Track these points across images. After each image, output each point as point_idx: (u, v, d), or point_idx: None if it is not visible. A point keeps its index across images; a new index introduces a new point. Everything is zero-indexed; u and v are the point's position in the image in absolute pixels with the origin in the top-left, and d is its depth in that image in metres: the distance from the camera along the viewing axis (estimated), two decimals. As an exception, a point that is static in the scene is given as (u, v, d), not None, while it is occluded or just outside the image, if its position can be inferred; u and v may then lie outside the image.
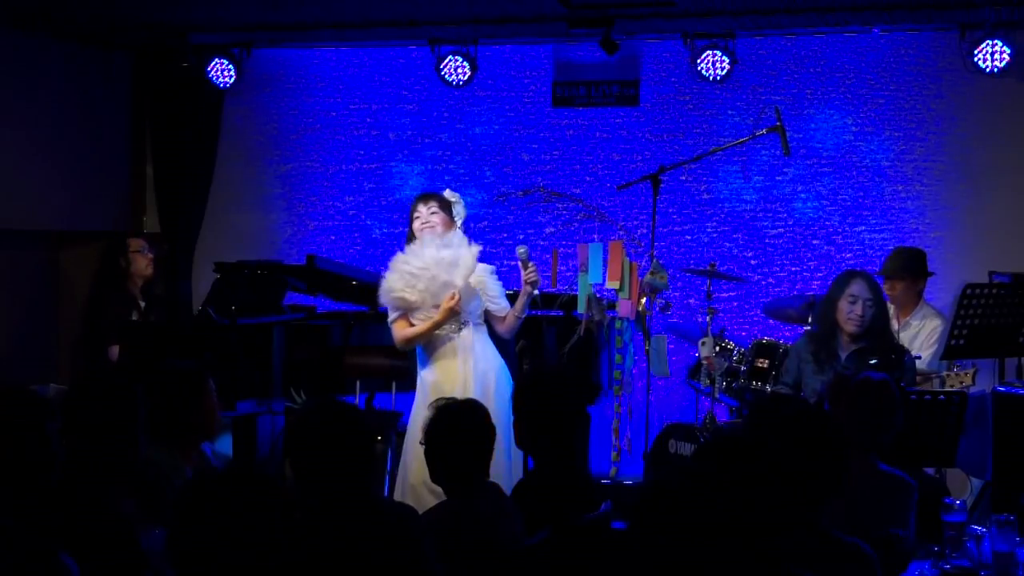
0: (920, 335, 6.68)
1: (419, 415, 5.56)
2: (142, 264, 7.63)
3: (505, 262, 8.30)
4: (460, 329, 5.65)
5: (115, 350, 7.19)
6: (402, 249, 5.80)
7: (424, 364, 5.73)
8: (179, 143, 8.69)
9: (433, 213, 5.71)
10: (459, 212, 5.83)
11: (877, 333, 5.82)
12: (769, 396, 5.67)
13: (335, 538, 3.26)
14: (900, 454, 4.67)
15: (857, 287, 5.82)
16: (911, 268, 6.70)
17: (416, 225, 5.74)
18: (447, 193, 5.87)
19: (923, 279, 6.76)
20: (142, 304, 7.61)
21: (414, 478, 5.42)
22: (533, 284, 5.71)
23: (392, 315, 5.72)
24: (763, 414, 3.61)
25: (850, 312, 5.81)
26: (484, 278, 5.74)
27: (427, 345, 5.69)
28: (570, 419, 4.26)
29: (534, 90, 8.42)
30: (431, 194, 5.87)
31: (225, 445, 6.63)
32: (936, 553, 4.00)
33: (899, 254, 6.79)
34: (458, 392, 5.48)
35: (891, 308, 6.51)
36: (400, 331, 5.68)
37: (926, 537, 4.19)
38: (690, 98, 8.18)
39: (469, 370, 5.63)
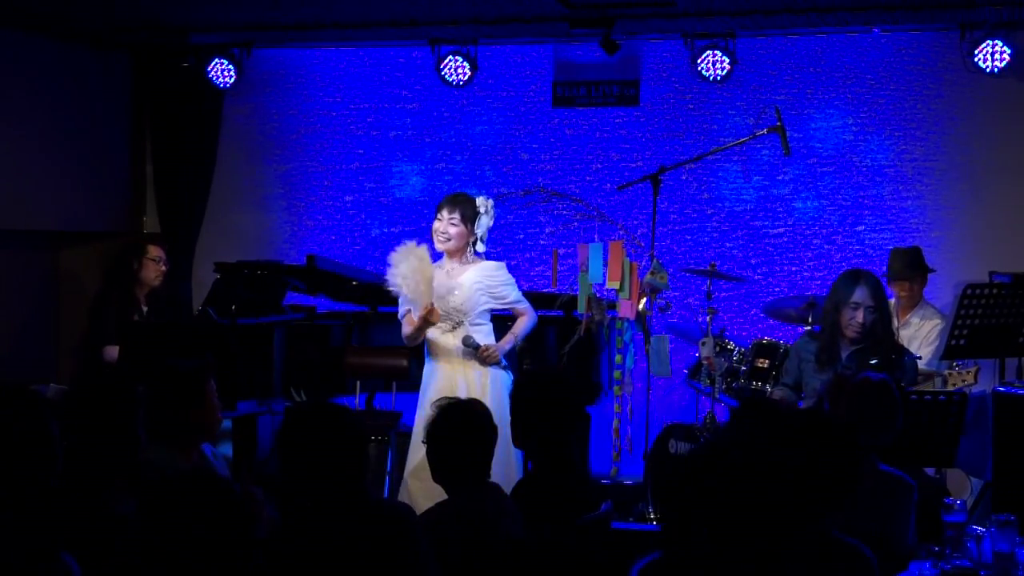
0: (920, 333, 6.69)
1: (420, 411, 5.65)
2: (153, 273, 7.60)
3: (504, 262, 8.31)
4: (455, 328, 5.67)
5: (110, 350, 7.19)
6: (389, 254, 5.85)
7: (426, 360, 5.80)
8: (179, 143, 8.68)
9: (453, 224, 5.68)
10: (483, 223, 5.72)
11: (878, 337, 5.81)
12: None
13: (329, 539, 3.26)
14: (900, 454, 4.67)
15: (860, 294, 5.78)
16: (918, 266, 6.76)
17: (435, 227, 5.73)
18: (480, 201, 5.73)
19: (926, 276, 6.81)
20: (144, 309, 7.60)
21: (407, 471, 5.55)
22: (490, 361, 5.66)
23: (401, 310, 5.78)
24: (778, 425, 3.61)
25: (851, 319, 5.78)
26: (485, 281, 5.73)
27: (428, 342, 5.75)
28: (569, 419, 4.27)
29: (534, 90, 8.41)
30: (459, 200, 5.73)
31: (225, 450, 6.62)
32: (936, 553, 3.99)
33: (902, 254, 6.80)
34: (444, 391, 5.55)
35: (892, 306, 6.51)
36: (404, 327, 5.76)
37: (926, 537, 4.19)
38: (690, 98, 8.18)
39: (456, 370, 5.66)
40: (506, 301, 5.80)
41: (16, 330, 8.11)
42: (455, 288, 5.68)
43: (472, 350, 5.63)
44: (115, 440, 3.59)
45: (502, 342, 5.75)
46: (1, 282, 8.00)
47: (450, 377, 5.66)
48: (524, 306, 5.86)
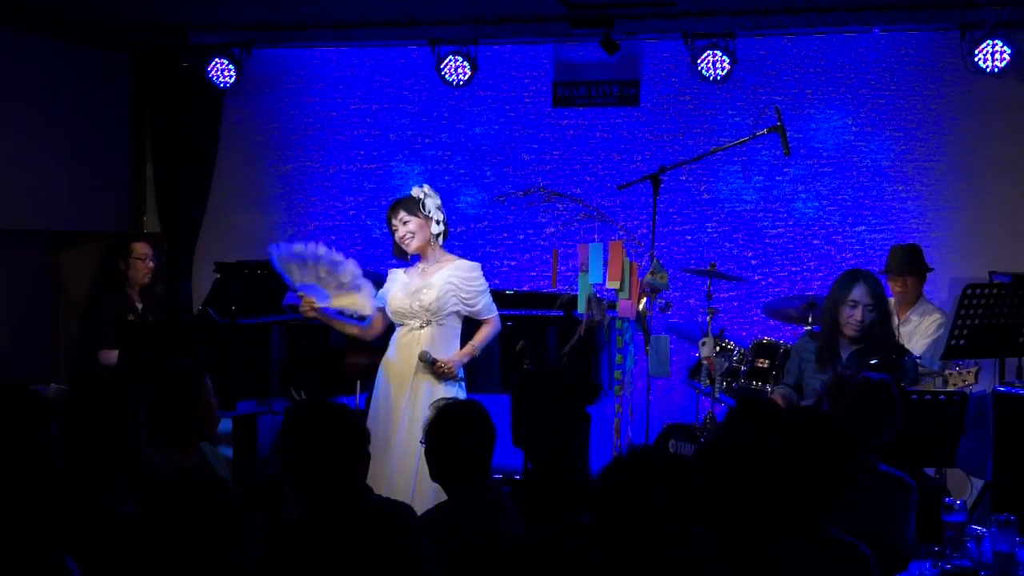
0: (920, 329, 6.69)
1: (376, 400, 5.72)
2: (141, 271, 7.57)
3: (504, 262, 8.32)
4: (422, 327, 5.67)
5: (106, 354, 7.18)
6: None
7: (388, 347, 5.80)
8: (179, 143, 8.68)
9: (405, 223, 5.72)
10: (430, 205, 5.75)
11: (877, 336, 5.81)
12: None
13: (329, 539, 3.26)
14: (900, 454, 4.67)
15: (858, 291, 5.80)
16: (918, 262, 6.77)
17: (396, 238, 5.78)
18: (414, 190, 5.80)
19: (924, 274, 6.82)
20: (139, 307, 7.59)
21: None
22: (446, 375, 5.65)
23: (375, 304, 5.86)
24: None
25: (850, 316, 5.80)
26: (457, 282, 5.72)
27: (396, 334, 5.77)
28: (569, 419, 4.27)
29: (534, 90, 8.41)
30: (397, 203, 5.81)
31: (225, 450, 6.62)
32: (936, 553, 4.00)
33: (902, 250, 6.82)
34: (394, 385, 5.63)
35: (891, 304, 6.52)
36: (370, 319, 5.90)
37: (926, 537, 4.19)
38: (690, 98, 8.18)
39: (413, 368, 5.64)
40: (474, 309, 5.76)
41: (16, 330, 8.11)
42: (426, 287, 5.67)
43: (428, 365, 5.60)
44: (115, 440, 3.59)
45: (459, 355, 5.71)
46: (1, 282, 8.00)
47: (402, 377, 5.65)
48: (491, 316, 5.82)
